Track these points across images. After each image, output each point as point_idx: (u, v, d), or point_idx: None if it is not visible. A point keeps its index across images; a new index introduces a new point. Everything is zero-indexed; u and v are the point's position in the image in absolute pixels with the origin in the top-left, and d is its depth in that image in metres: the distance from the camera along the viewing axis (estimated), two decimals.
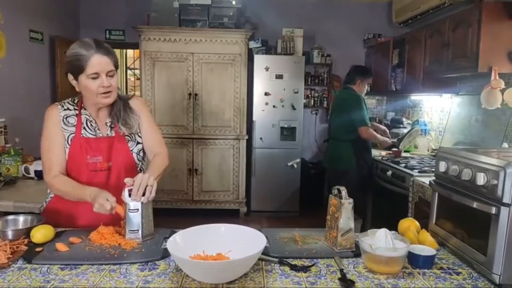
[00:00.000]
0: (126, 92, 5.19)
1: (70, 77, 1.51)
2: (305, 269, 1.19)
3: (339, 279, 1.13)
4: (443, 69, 3.10)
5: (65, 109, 1.58)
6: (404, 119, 4.31)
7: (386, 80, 4.19)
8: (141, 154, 1.66)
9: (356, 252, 1.30)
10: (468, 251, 1.24)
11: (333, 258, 1.27)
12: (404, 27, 4.27)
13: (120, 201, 1.38)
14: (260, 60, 4.56)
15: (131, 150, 1.61)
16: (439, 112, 3.82)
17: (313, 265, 1.22)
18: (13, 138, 3.06)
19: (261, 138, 4.64)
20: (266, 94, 4.58)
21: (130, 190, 1.37)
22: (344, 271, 1.17)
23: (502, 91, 2.61)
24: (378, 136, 3.62)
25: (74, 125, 1.56)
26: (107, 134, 1.59)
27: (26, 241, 1.31)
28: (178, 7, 4.43)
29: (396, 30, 4.50)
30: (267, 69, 4.55)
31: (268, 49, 4.75)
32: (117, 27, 5.01)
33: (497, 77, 2.59)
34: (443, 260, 1.30)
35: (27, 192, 2.44)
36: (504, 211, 1.10)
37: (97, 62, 1.44)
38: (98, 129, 1.59)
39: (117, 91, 1.56)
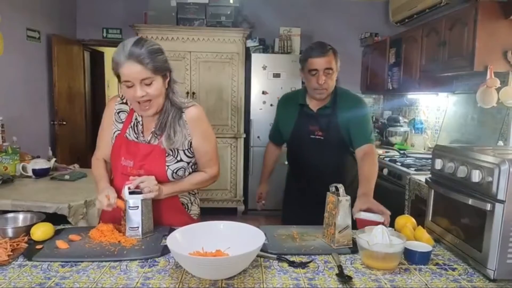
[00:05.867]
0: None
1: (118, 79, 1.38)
2: (303, 265, 1.20)
3: (336, 275, 1.14)
4: (440, 68, 3.12)
5: (121, 103, 1.52)
6: (400, 118, 4.33)
7: (383, 79, 4.21)
8: (180, 172, 1.48)
9: (354, 248, 1.31)
10: (464, 247, 1.26)
11: (331, 254, 1.29)
12: (401, 26, 4.29)
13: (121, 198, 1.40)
14: (257, 59, 4.56)
15: (167, 166, 1.45)
16: (435, 111, 3.84)
17: (311, 261, 1.23)
18: (11, 136, 3.06)
19: (258, 137, 4.65)
20: (263, 92, 4.59)
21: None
22: (341, 267, 1.18)
23: (498, 89, 2.64)
24: None
25: (122, 122, 1.51)
26: (149, 141, 1.47)
27: (26, 238, 1.32)
28: (176, 5, 4.44)
29: (393, 29, 4.52)
30: (264, 67, 4.55)
31: (266, 48, 4.76)
32: (115, 26, 4.99)
33: (493, 76, 2.61)
34: (439, 256, 1.32)
35: (25, 190, 2.44)
36: (498, 207, 1.12)
37: (128, 71, 1.30)
38: (143, 132, 1.49)
39: (160, 99, 1.40)
